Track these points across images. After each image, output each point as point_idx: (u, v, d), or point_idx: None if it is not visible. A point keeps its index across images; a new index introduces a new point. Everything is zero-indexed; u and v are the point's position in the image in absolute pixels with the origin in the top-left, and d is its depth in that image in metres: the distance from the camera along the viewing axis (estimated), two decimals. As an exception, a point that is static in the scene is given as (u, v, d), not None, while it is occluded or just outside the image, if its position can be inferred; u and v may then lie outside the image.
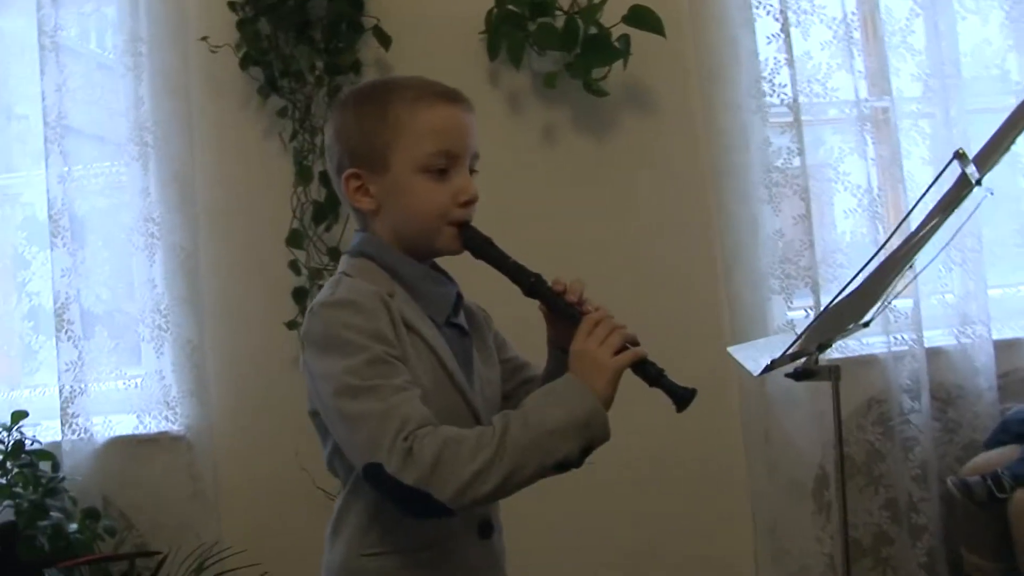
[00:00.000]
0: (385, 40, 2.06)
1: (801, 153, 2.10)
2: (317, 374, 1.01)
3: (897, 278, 1.16)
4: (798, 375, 1.17)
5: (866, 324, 1.26)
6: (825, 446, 2.11)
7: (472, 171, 1.10)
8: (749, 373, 1.38)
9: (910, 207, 1.14)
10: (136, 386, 2.11)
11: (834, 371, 1.15)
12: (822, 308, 1.12)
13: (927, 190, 1.05)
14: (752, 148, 2.11)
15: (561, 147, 2.13)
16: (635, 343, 1.02)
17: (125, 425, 2.10)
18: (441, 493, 0.96)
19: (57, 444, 2.05)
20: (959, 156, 1.02)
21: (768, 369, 1.15)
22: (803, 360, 1.20)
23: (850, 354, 2.16)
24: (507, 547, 1.16)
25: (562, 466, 1.00)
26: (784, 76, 2.11)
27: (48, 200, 2.06)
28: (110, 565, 1.80)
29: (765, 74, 2.11)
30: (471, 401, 1.09)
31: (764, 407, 2.13)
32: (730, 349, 1.25)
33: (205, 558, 1.87)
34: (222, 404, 2.13)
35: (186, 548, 2.02)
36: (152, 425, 2.10)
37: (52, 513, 1.87)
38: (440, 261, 1.14)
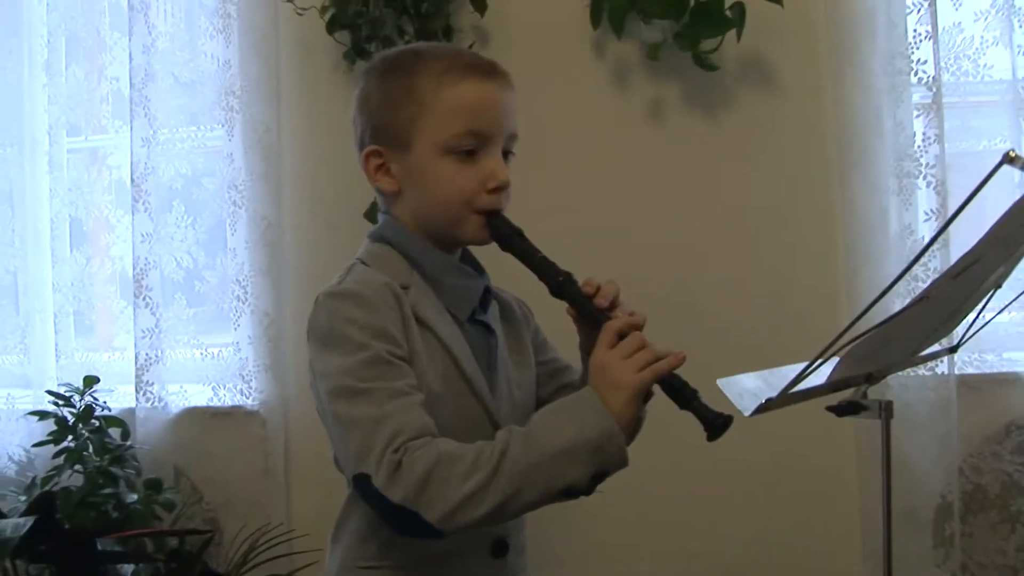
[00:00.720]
0: (480, 4, 2.01)
1: (940, 140, 1.95)
2: (316, 371, 0.99)
3: (989, 290, 1.04)
4: (841, 410, 1.07)
5: (953, 349, 1.17)
6: (950, 473, 1.98)
7: (508, 154, 1.06)
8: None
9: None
10: (213, 357, 2.14)
11: (885, 408, 1.04)
12: (856, 323, 0.97)
13: (974, 193, 0.94)
14: (884, 133, 1.97)
15: (668, 125, 2.07)
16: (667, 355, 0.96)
17: (200, 396, 2.13)
18: (429, 514, 0.93)
19: (131, 411, 2.10)
20: (1009, 159, 0.93)
21: (779, 404, 0.99)
22: (814, 383, 1.04)
23: (988, 371, 2.01)
24: (532, 564, 1.13)
25: (570, 492, 0.95)
26: (925, 51, 1.95)
27: (131, 163, 2.10)
28: (165, 540, 1.77)
29: (903, 49, 1.97)
30: (491, 408, 1.06)
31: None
32: (720, 382, 1.10)
33: (257, 539, 1.81)
34: (298, 381, 2.09)
35: (252, 526, 2.05)
36: (227, 398, 2.12)
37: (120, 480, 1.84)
38: (475, 250, 1.12)
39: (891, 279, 1.89)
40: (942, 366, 1.93)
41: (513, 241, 1.05)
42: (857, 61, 1.99)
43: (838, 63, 2.02)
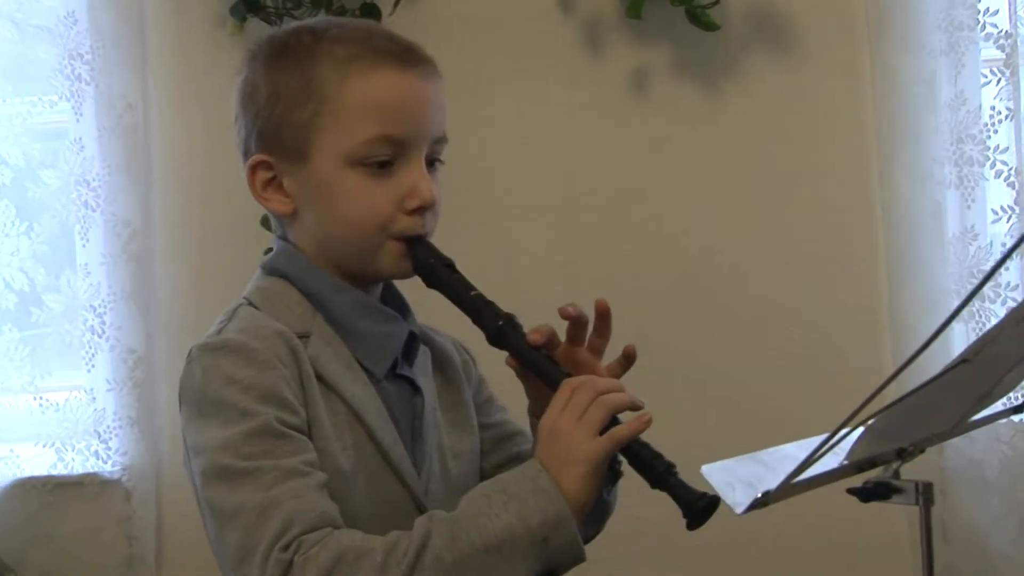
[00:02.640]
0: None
1: (1015, 116, 1.85)
2: (189, 445, 0.98)
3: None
4: (866, 493, 1.02)
5: (1017, 409, 1.13)
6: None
7: (433, 162, 1.05)
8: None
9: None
10: (57, 408, 2.00)
11: (924, 492, 1.00)
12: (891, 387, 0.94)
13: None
14: (940, 106, 1.89)
15: (656, 102, 2.01)
16: (635, 407, 0.96)
17: (39, 462, 2.01)
18: None
19: (-61, 483, 1.97)
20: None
21: (781, 496, 0.93)
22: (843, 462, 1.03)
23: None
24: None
25: None
26: (995, -1, 1.87)
27: (-66, 148, 1.97)
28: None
29: (965, -4, 1.88)
30: (415, 488, 1.04)
31: (941, 488, 1.91)
32: (705, 470, 1.03)
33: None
34: (174, 438, 1.94)
35: (112, 634, 1.93)
36: (77, 463, 1.99)
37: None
38: (399, 284, 1.11)
39: (946, 295, 1.90)
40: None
41: (439, 274, 1.03)
42: (904, 13, 1.93)
43: (878, 16, 1.95)
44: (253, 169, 1.04)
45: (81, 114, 1.96)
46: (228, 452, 0.92)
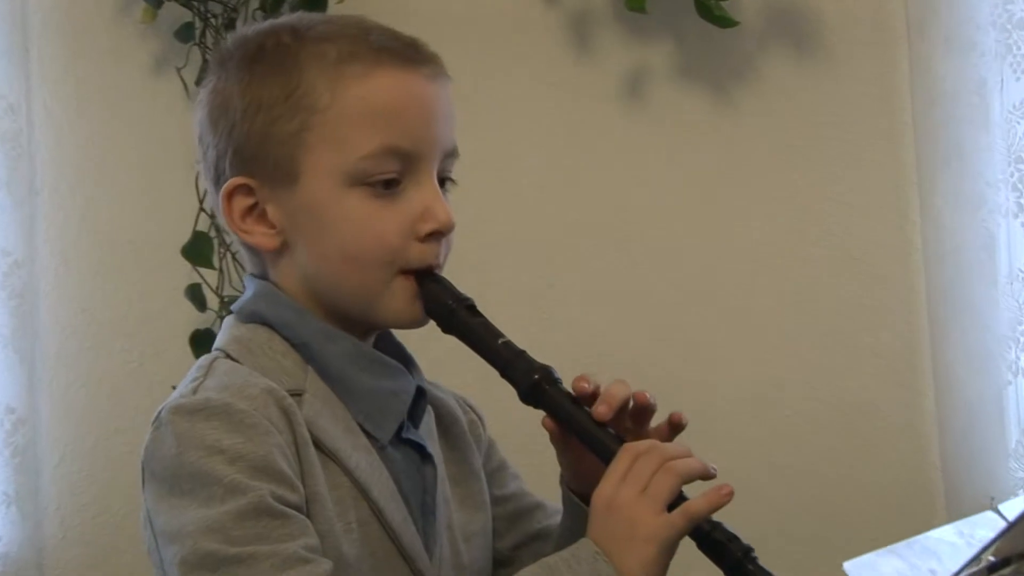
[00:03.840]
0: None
1: None
2: (160, 529, 0.93)
3: None
4: None
5: None
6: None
7: (445, 181, 1.03)
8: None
9: None
10: None
11: None
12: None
13: None
14: (992, 120, 1.82)
15: (655, 108, 1.96)
16: (705, 476, 0.93)
17: None
18: None
19: None
20: None
21: None
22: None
23: None
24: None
25: None
26: (1058, -12, 1.89)
27: None
28: None
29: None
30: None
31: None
32: (847, 566, 1.02)
33: None
34: (62, 520, 1.92)
35: None
36: None
37: None
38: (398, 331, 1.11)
39: (1000, 344, 1.79)
40: None
41: (459, 318, 0.99)
42: (950, 7, 1.87)
43: (919, 11, 1.91)
44: (229, 196, 0.99)
45: None
46: (215, 536, 0.88)
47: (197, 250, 1.86)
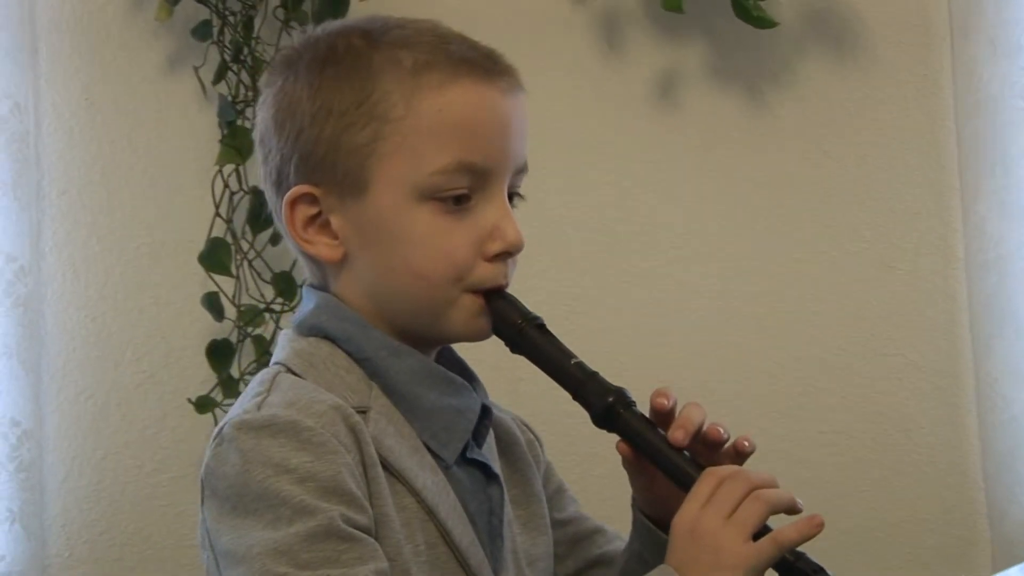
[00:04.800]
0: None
1: None
2: (222, 550, 0.92)
3: None
4: None
5: None
6: None
7: (513, 196, 1.03)
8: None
9: None
10: None
11: None
12: None
13: None
14: None
15: (687, 111, 1.94)
16: (792, 509, 0.93)
17: None
18: None
19: None
20: None
21: None
22: None
23: None
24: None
25: None
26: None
27: None
28: None
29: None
30: None
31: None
32: None
33: None
34: (68, 538, 1.90)
35: None
36: None
37: None
38: (458, 347, 1.10)
39: None
40: None
41: (528, 337, 0.99)
42: (994, 8, 1.85)
43: (962, 12, 1.90)
44: (292, 204, 0.99)
45: None
46: (283, 559, 0.88)
47: (214, 257, 1.85)
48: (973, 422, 1.89)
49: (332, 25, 1.06)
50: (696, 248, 1.92)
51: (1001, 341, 1.87)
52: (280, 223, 1.03)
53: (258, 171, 1.08)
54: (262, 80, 1.06)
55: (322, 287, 1.04)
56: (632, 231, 1.92)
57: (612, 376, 1.01)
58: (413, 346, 1.02)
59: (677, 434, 0.96)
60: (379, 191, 0.98)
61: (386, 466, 0.97)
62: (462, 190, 0.98)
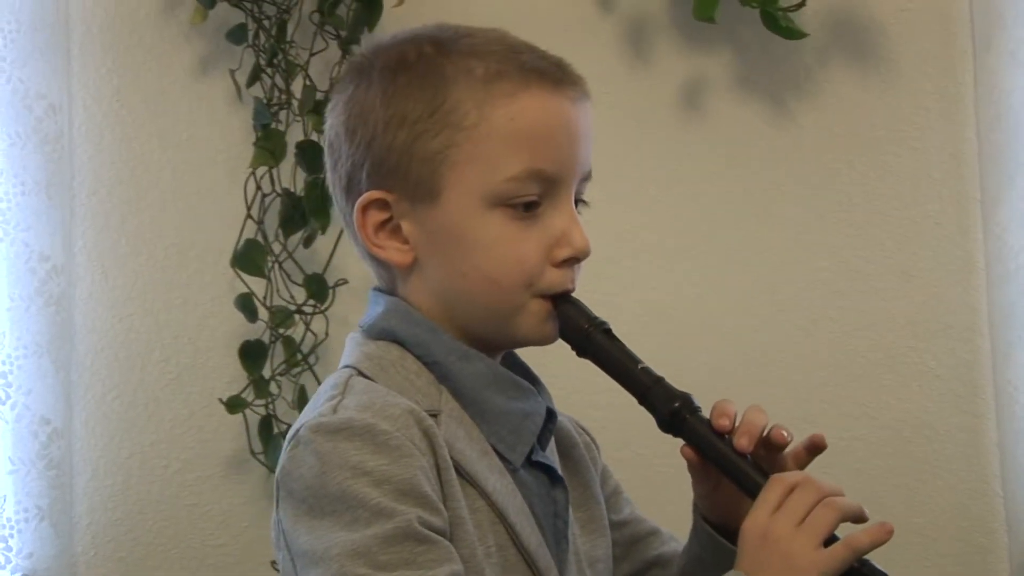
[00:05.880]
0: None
1: None
2: (299, 549, 0.94)
3: None
4: None
5: None
6: None
7: (578, 203, 1.04)
8: None
9: None
10: None
11: None
12: None
13: None
14: None
15: (712, 120, 1.95)
16: (861, 518, 0.94)
17: None
18: None
19: None
20: None
21: None
22: None
23: None
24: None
25: None
26: None
27: None
28: None
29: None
30: None
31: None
32: None
33: None
34: (95, 536, 1.93)
35: None
36: None
37: None
38: (521, 352, 1.11)
39: None
40: None
41: (595, 342, 1.00)
42: (1017, 19, 1.85)
43: (985, 23, 1.90)
44: (364, 208, 1.00)
45: None
46: (361, 560, 0.88)
47: (248, 259, 1.87)
48: (992, 430, 1.88)
49: (403, 33, 1.08)
50: (719, 256, 1.92)
51: (1021, 350, 1.86)
52: (350, 228, 1.04)
53: (327, 176, 1.09)
54: (336, 87, 1.06)
55: (390, 291, 1.05)
56: (656, 239, 1.93)
57: None
58: (480, 350, 1.03)
59: (742, 441, 0.97)
60: (451, 197, 0.99)
61: (458, 469, 0.98)
62: (532, 197, 0.99)
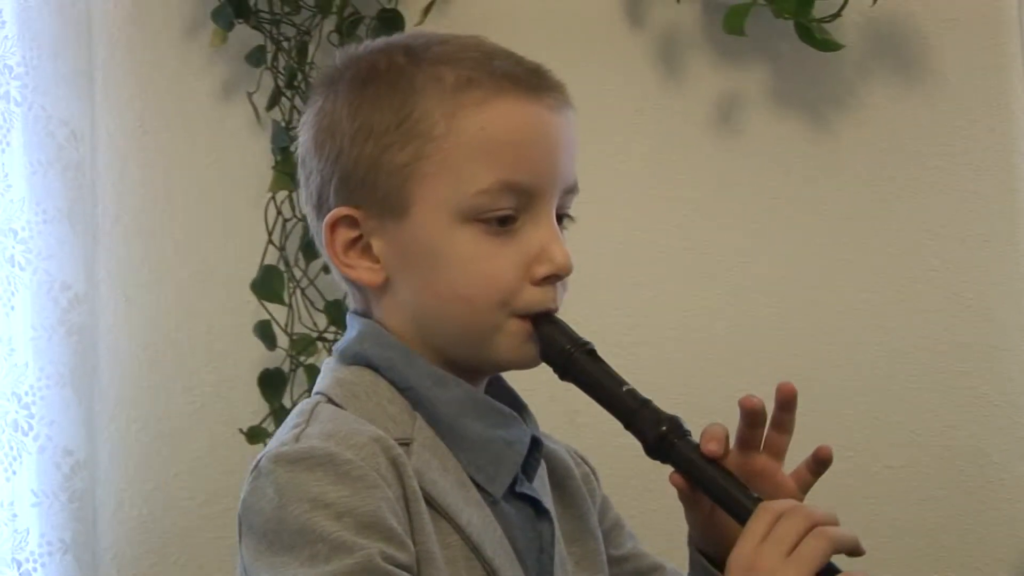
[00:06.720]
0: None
1: None
2: None
3: None
4: None
5: None
6: None
7: (563, 218, 1.02)
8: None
9: None
10: None
11: None
12: None
13: None
14: None
15: (747, 137, 1.94)
16: (855, 550, 0.90)
17: None
18: None
19: None
20: None
21: None
22: None
23: None
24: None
25: None
26: None
27: None
28: None
29: None
30: None
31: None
32: None
33: None
34: (119, 569, 1.91)
35: None
36: None
37: None
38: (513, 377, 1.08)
39: None
40: None
41: (578, 364, 0.97)
42: None
43: None
44: (332, 226, 0.98)
45: (8, 144, 1.85)
46: None
47: (267, 285, 1.86)
48: (1050, 458, 1.86)
49: (375, 42, 1.05)
50: (757, 277, 1.90)
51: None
52: (321, 247, 1.02)
53: (301, 194, 1.07)
54: (308, 100, 1.04)
55: (365, 313, 1.03)
56: (691, 259, 1.91)
57: (670, 406, 0.99)
58: (461, 375, 1.00)
59: (710, 446, 0.93)
60: (421, 213, 0.97)
61: (429, 501, 0.95)
62: (507, 211, 0.97)
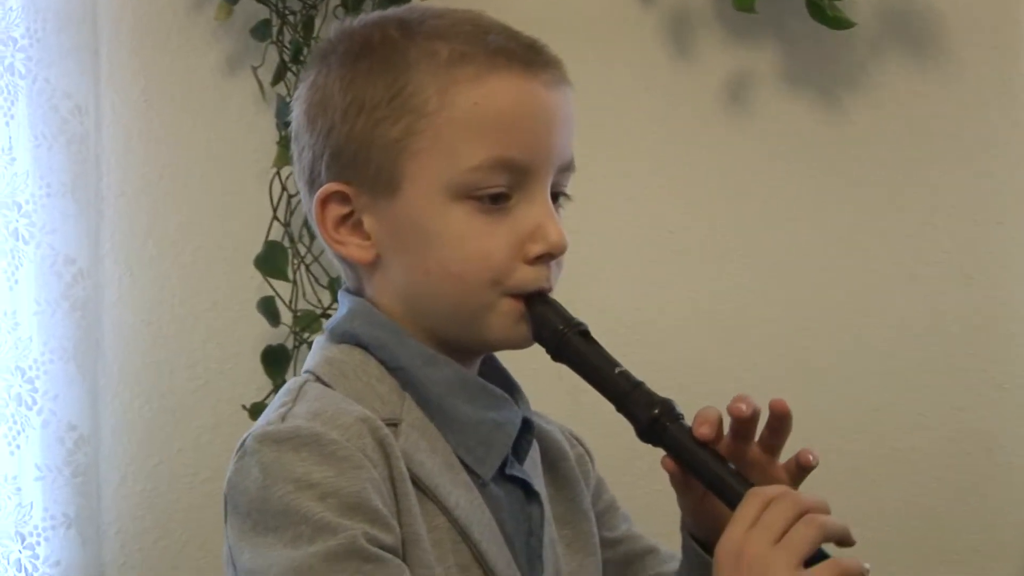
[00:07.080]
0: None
1: None
2: (243, 567, 0.91)
3: None
4: None
5: None
6: None
7: (558, 196, 1.00)
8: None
9: None
10: None
11: None
12: None
13: None
14: None
15: (759, 116, 1.93)
16: (845, 540, 0.89)
17: None
18: None
19: None
20: None
21: None
22: None
23: None
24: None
25: None
26: None
27: None
28: None
29: None
30: None
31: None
32: None
33: None
34: (123, 544, 1.93)
35: None
36: None
37: None
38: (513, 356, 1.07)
39: None
40: None
41: (571, 344, 0.96)
42: None
43: None
44: (323, 202, 0.97)
45: (12, 116, 1.84)
46: None
47: (270, 261, 1.85)
48: (1059, 442, 1.84)
49: (371, 15, 1.05)
50: (767, 258, 1.90)
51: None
52: (313, 223, 1.01)
53: (294, 170, 1.06)
54: (301, 74, 1.06)
55: (357, 291, 1.02)
56: (700, 240, 1.91)
57: (675, 390, 0.98)
58: (452, 355, 1.00)
59: (702, 429, 0.93)
60: (412, 189, 0.96)
61: (416, 483, 0.95)
62: (499, 188, 0.96)
